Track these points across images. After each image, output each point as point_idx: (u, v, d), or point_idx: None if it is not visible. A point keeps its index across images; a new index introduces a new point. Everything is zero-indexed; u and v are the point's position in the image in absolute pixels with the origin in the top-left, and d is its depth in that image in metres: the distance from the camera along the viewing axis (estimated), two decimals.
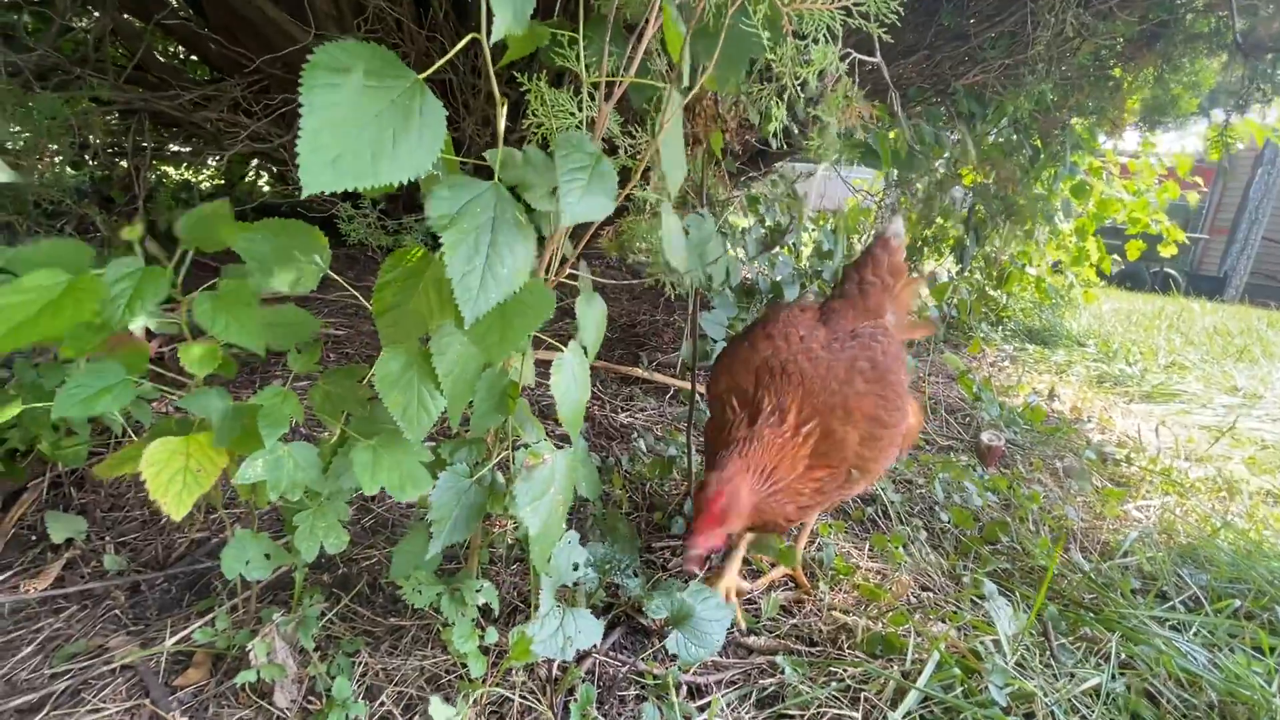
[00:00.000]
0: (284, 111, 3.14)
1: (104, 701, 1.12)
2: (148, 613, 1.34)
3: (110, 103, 2.92)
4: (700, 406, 2.24)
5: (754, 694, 1.34)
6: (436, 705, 1.09)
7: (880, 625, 1.52)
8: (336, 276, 1.09)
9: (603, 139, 1.10)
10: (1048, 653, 1.48)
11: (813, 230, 3.90)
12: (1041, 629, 1.52)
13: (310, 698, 1.17)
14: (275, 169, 4.27)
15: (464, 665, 1.24)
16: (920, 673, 1.35)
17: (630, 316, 3.72)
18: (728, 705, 1.30)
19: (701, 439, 2.00)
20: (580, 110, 1.10)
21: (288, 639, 1.15)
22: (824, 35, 0.94)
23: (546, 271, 1.13)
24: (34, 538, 1.49)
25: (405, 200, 3.45)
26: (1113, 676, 1.40)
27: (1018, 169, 3.83)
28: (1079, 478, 2.48)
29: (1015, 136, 4.02)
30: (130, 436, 1.75)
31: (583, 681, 1.27)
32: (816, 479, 1.41)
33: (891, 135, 3.60)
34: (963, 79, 3.57)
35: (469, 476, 1.09)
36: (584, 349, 1.08)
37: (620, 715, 1.26)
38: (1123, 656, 1.48)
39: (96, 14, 3.17)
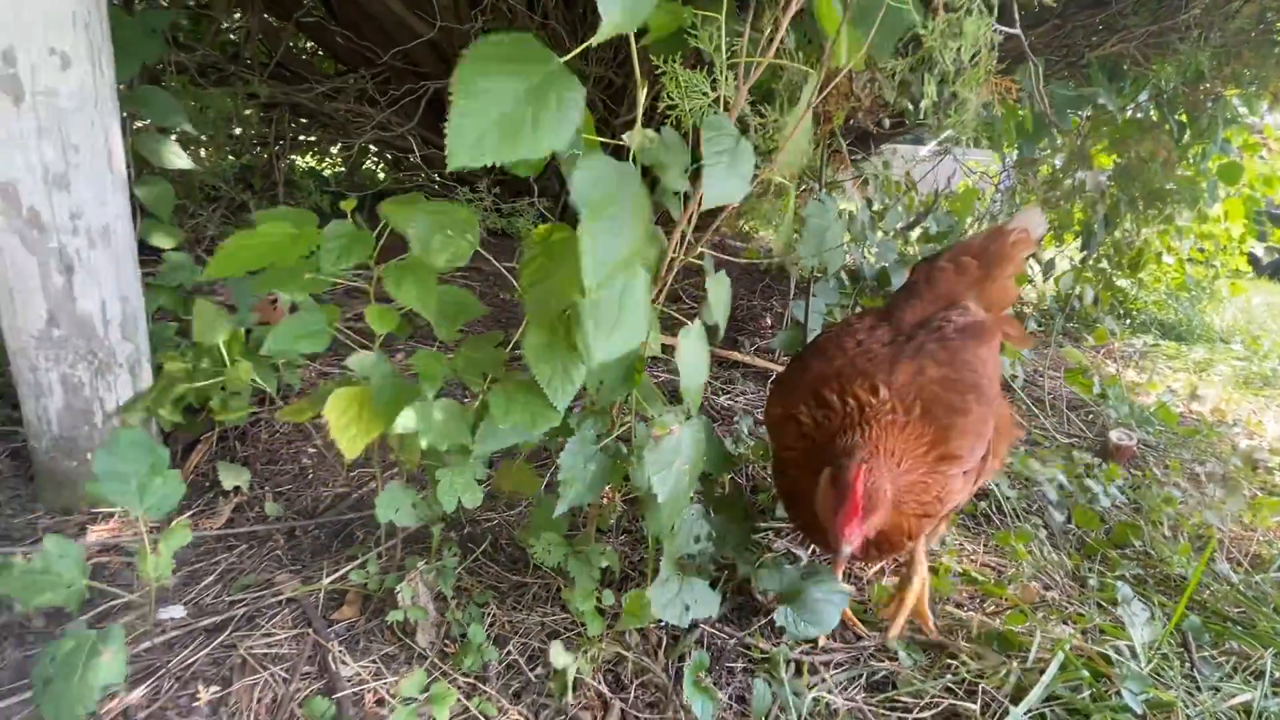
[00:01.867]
0: (404, 102, 3.33)
1: (274, 628, 1.27)
2: (303, 555, 1.50)
3: (255, 96, 3.20)
4: None
5: (864, 677, 1.34)
6: (557, 651, 1.16)
7: (997, 622, 1.48)
8: (484, 253, 1.17)
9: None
10: (1188, 664, 1.39)
11: (919, 213, 3.74)
12: (1181, 639, 1.43)
13: (447, 641, 1.28)
14: (391, 156, 4.54)
15: (582, 623, 1.31)
16: (1041, 672, 1.30)
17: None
18: (837, 686, 1.31)
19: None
20: (712, 90, 1.12)
21: (428, 585, 1.25)
22: (978, 7, 0.91)
23: (673, 252, 1.16)
24: (207, 484, 1.69)
25: (517, 185, 3.58)
26: (1266, 695, 1.30)
27: (1160, 147, 3.51)
28: (1226, 485, 2.28)
29: (1156, 111, 3.68)
30: (278, 402, 1.94)
31: (694, 649, 1.31)
32: (934, 471, 1.28)
33: (1019, 113, 3.39)
34: (1097, 49, 3.29)
35: (595, 444, 1.15)
36: (709, 327, 1.11)
37: (728, 685, 1.29)
38: (1276, 675, 1.37)
39: (241, 15, 3.47)
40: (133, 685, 1.13)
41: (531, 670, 1.27)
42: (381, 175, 4.89)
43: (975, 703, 1.26)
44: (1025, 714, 1.23)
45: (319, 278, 1.10)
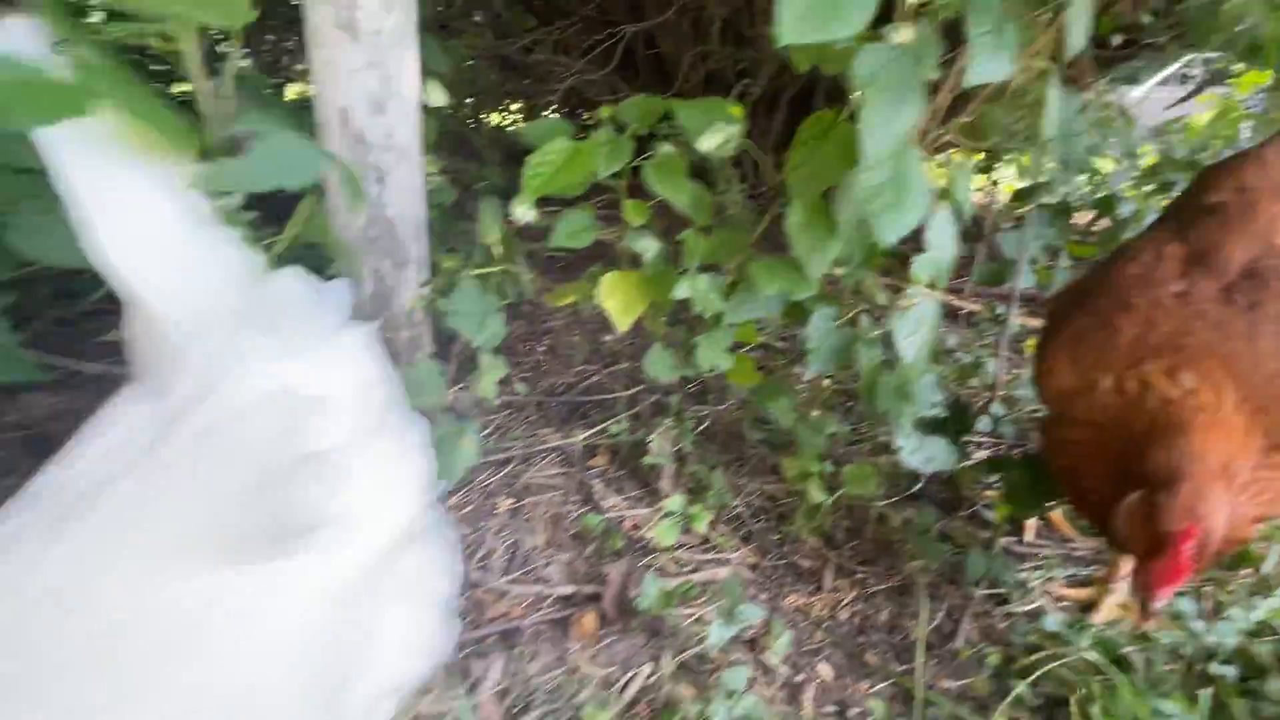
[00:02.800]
0: (598, 51, 3.55)
1: (545, 468, 1.56)
2: (553, 422, 1.78)
3: (472, 48, 3.57)
4: (1005, 320, 2.20)
5: (1067, 575, 1.39)
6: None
7: None
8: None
9: None
10: None
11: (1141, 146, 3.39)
12: None
13: (687, 490, 1.49)
14: (567, 110, 4.84)
15: (799, 490, 1.47)
16: None
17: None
18: (1039, 578, 1.37)
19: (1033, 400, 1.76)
20: None
21: (672, 440, 1.47)
22: None
23: (921, 140, 1.25)
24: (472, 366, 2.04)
25: None
26: None
27: None
28: None
29: None
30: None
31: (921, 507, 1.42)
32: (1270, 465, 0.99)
33: None
34: None
35: (834, 321, 1.29)
36: (959, 213, 1.19)
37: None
38: None
39: None
40: (449, 495, 1.46)
41: (754, 523, 1.46)
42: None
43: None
44: None
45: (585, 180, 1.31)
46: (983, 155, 2.71)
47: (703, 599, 1.23)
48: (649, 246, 1.29)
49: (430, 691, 0.99)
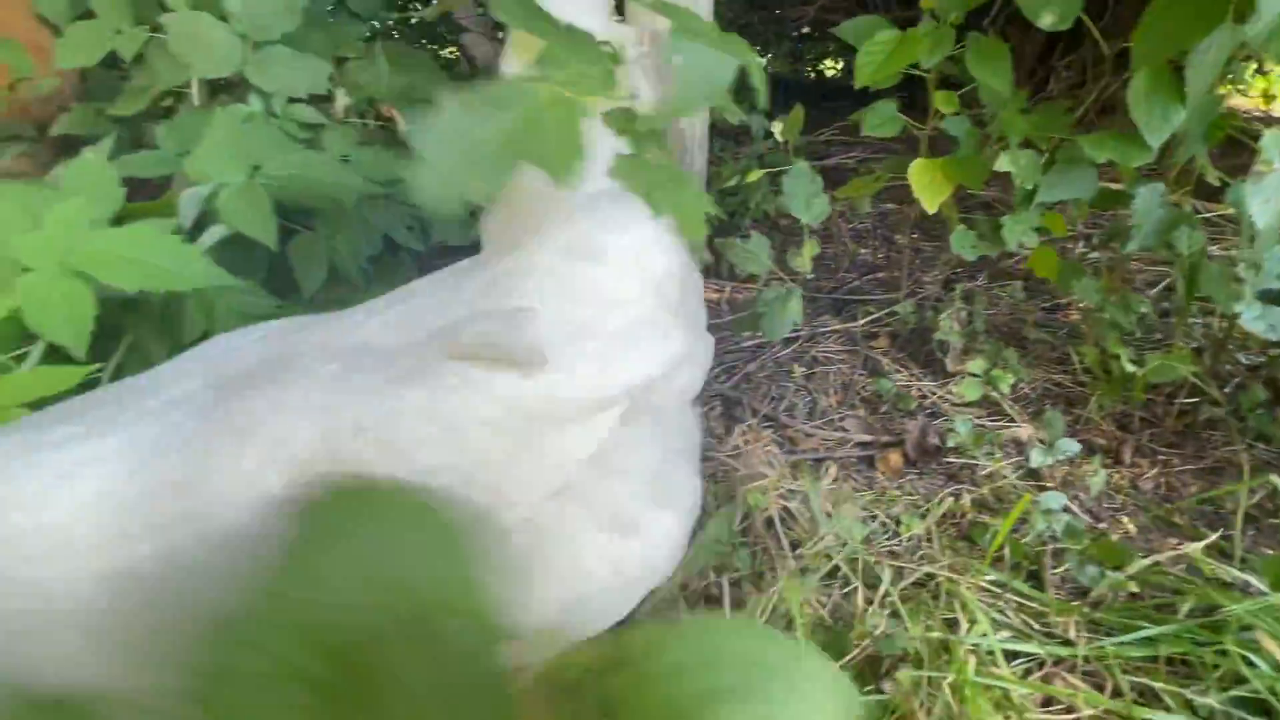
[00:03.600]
0: None
1: (829, 346, 1.74)
2: (828, 310, 1.95)
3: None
4: None
5: None
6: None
7: None
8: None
9: None
10: None
11: None
12: None
13: (971, 370, 1.59)
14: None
15: (1088, 369, 1.49)
16: None
17: None
18: None
19: None
20: None
21: (960, 321, 1.57)
22: None
23: None
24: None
25: None
26: None
27: None
28: None
29: None
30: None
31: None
32: None
33: None
34: None
35: (1161, 197, 1.29)
36: None
37: None
38: None
39: None
40: (746, 361, 1.70)
41: (1044, 404, 1.52)
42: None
43: None
44: None
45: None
46: None
47: (1000, 452, 1.34)
48: (965, 130, 1.38)
49: (771, 487, 1.24)
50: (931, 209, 1.42)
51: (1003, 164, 1.30)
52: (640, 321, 0.73)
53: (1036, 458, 1.18)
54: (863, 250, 2.26)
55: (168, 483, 0.59)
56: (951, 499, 1.27)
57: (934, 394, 1.53)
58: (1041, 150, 1.38)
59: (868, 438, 1.44)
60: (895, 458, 1.35)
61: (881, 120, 1.49)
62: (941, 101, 1.44)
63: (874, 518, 1.21)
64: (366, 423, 0.62)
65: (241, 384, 0.64)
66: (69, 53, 1.34)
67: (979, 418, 1.47)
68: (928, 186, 1.44)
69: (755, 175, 1.93)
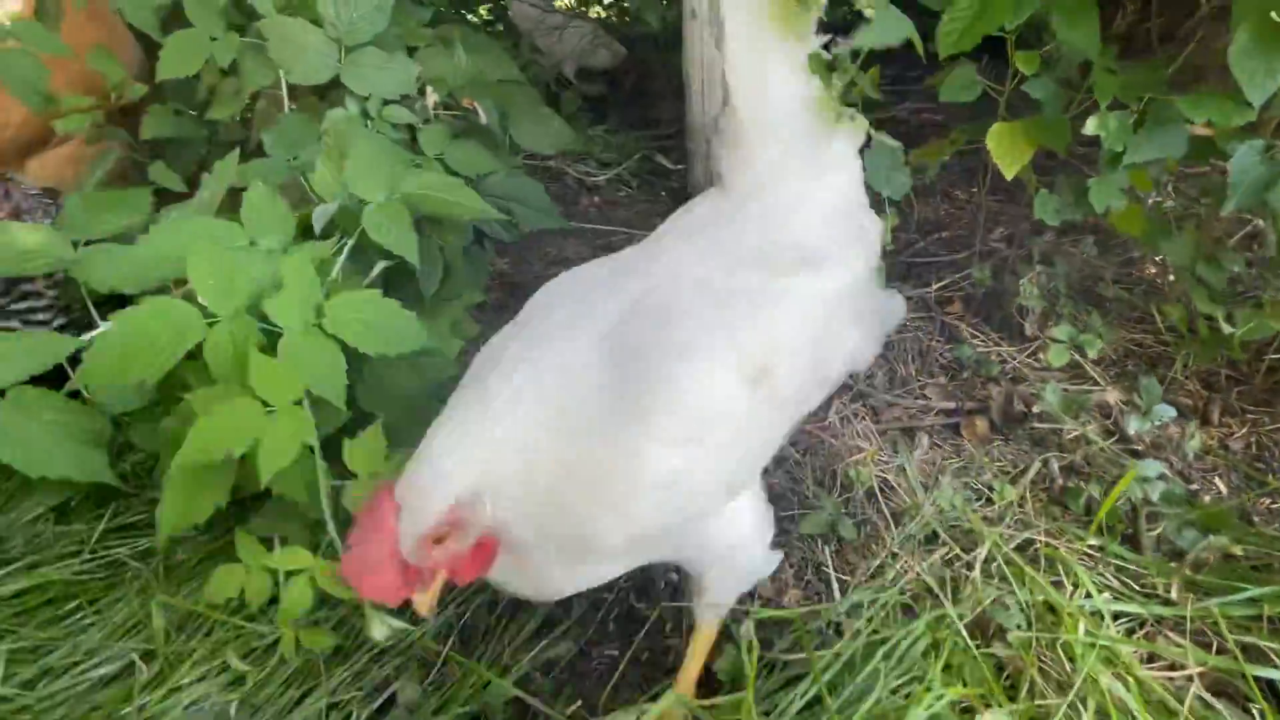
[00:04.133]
0: None
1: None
2: (897, 276, 1.95)
3: None
4: None
5: None
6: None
7: None
8: None
9: None
10: None
11: None
12: None
13: (1051, 335, 1.59)
14: None
15: (1171, 326, 1.49)
16: None
17: None
18: None
19: None
20: None
21: (1040, 286, 1.57)
22: None
23: None
24: None
25: None
26: None
27: None
28: None
29: None
30: None
31: None
32: None
33: None
34: None
35: (1260, 154, 1.26)
36: None
37: None
38: None
39: None
40: None
41: (1125, 365, 1.52)
42: None
43: None
44: None
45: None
46: None
47: (1086, 416, 1.36)
48: (1049, 91, 1.36)
49: (870, 460, 1.29)
50: (1010, 173, 1.41)
51: (1091, 127, 1.29)
52: (861, 227, 1.12)
53: (1134, 424, 1.20)
54: (925, 208, 2.24)
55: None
56: (1039, 464, 1.31)
57: (1014, 359, 1.55)
58: (1131, 110, 1.35)
59: (950, 405, 1.47)
60: (981, 425, 1.38)
61: (962, 84, 1.47)
62: (1023, 62, 1.41)
63: (966, 485, 1.26)
64: (766, 340, 0.90)
65: (653, 342, 0.85)
66: (173, 63, 1.39)
67: (1062, 382, 1.49)
68: (1008, 151, 1.43)
69: None
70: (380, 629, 0.85)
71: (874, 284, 1.15)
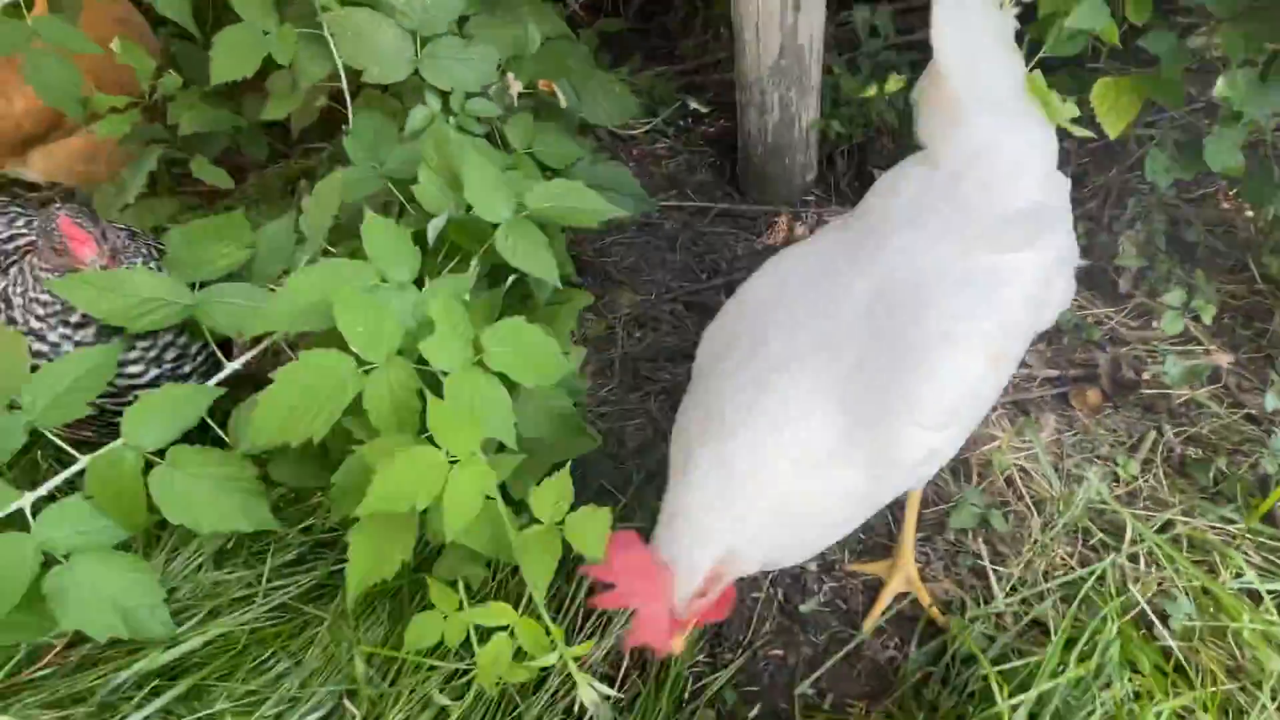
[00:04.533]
0: None
1: None
2: None
3: None
4: None
5: None
6: None
7: None
8: None
9: None
10: None
11: None
12: None
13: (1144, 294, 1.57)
14: None
15: (1275, 287, 1.49)
16: None
17: None
18: None
19: None
20: None
21: (1134, 244, 1.55)
22: None
23: None
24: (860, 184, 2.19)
25: None
26: None
27: None
28: None
29: None
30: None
31: None
32: None
33: None
34: None
35: None
36: None
37: None
38: None
39: None
40: None
41: (1222, 320, 1.52)
42: None
43: None
44: None
45: None
46: None
47: (1197, 382, 1.37)
48: (1169, 45, 1.29)
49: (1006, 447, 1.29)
50: (1114, 133, 1.36)
51: (1222, 88, 1.23)
52: (1063, 180, 1.14)
53: (1271, 401, 1.21)
54: None
55: None
56: (1154, 433, 1.32)
57: (1110, 319, 1.54)
58: (1255, 63, 1.29)
59: (1054, 373, 1.47)
60: (1093, 395, 1.39)
61: (1069, 36, 1.39)
62: (1135, 12, 1.33)
63: (1090, 462, 1.27)
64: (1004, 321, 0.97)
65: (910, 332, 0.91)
66: (225, 64, 1.25)
67: (1164, 343, 1.48)
68: (1113, 108, 1.37)
69: (897, 83, 1.82)
70: (589, 694, 0.87)
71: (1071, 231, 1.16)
